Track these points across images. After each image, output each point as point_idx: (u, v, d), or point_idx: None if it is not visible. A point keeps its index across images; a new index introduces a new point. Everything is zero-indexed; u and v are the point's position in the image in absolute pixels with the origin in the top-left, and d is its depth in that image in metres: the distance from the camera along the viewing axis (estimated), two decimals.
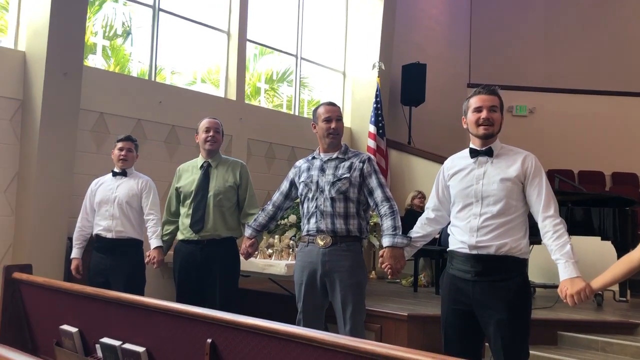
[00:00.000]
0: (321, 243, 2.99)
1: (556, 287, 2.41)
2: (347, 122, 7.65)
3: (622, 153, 9.24)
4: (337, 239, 2.98)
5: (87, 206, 3.91)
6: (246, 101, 6.69)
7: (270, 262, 4.59)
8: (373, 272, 6.78)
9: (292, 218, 5.41)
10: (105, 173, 4.00)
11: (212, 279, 3.52)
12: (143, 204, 3.83)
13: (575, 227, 5.03)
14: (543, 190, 2.40)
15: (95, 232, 3.84)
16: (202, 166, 3.67)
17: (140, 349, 2.14)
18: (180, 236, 3.66)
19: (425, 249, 4.53)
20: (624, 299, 5.16)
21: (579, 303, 2.24)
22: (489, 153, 2.47)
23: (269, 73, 7.50)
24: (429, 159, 7.42)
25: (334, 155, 3.10)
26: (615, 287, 5.16)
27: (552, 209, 2.39)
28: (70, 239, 4.08)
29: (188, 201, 3.62)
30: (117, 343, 2.22)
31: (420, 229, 2.73)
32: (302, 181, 3.12)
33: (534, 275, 5.04)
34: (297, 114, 7.52)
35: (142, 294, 3.56)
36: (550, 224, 2.36)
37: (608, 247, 5.06)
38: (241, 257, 3.49)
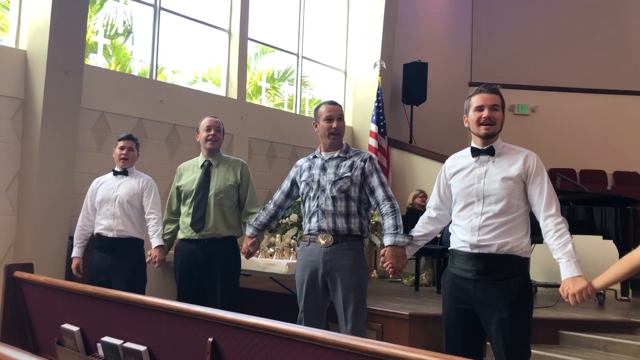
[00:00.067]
0: (322, 242, 2.99)
1: (558, 286, 2.41)
2: (348, 121, 7.64)
3: (624, 152, 9.23)
4: (338, 237, 2.98)
5: (88, 205, 3.91)
6: (247, 100, 6.69)
7: (272, 261, 4.59)
8: (374, 271, 6.78)
9: (294, 217, 5.40)
10: (106, 172, 4.00)
11: (212, 278, 3.52)
12: (144, 203, 3.82)
13: (577, 226, 5.03)
14: (545, 189, 2.40)
15: (96, 231, 3.84)
16: (202, 165, 3.67)
17: (142, 348, 2.14)
18: (181, 235, 3.65)
19: (427, 248, 4.53)
20: (626, 298, 5.15)
21: (581, 302, 2.23)
22: (490, 152, 2.47)
23: (270, 72, 7.50)
24: (431, 158, 7.42)
25: (335, 154, 3.09)
26: (617, 286, 5.16)
27: (554, 207, 2.38)
28: (71, 238, 4.08)
29: (189, 200, 3.62)
30: (118, 342, 2.22)
31: (422, 228, 2.73)
32: (304, 180, 3.12)
33: (536, 274, 5.04)
34: (298, 112, 7.52)
35: (142, 293, 3.56)
36: (551, 223, 2.36)
37: (610, 246, 5.06)
38: (242, 256, 3.49)
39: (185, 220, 3.62)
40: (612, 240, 5.08)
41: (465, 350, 2.40)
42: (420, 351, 1.46)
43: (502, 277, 2.37)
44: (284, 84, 7.63)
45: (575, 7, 10.03)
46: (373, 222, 5.86)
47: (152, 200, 3.82)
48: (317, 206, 3.02)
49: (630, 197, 5.34)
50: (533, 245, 2.68)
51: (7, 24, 4.89)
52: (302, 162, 3.22)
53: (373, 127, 7.40)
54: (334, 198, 2.99)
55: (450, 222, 2.61)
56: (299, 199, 3.25)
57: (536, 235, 2.48)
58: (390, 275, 2.86)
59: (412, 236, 2.75)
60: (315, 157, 3.16)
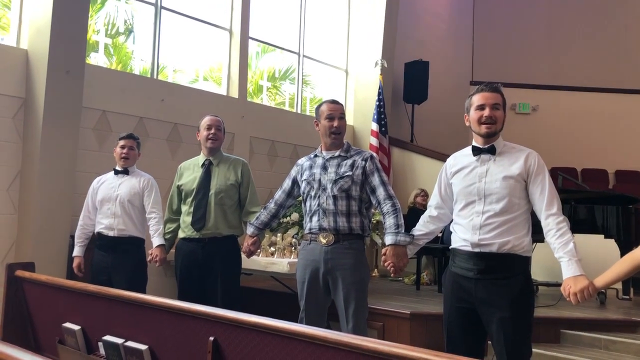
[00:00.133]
0: (323, 241, 2.99)
1: (559, 285, 2.40)
2: (349, 120, 7.62)
3: (626, 151, 9.22)
4: (339, 236, 2.98)
5: (89, 204, 3.91)
6: (248, 99, 6.69)
7: (273, 260, 4.59)
8: (376, 270, 6.78)
9: (295, 216, 5.41)
10: (107, 171, 4.00)
11: (213, 277, 3.52)
12: (145, 202, 3.82)
13: (579, 225, 5.02)
14: (546, 188, 2.40)
15: (97, 230, 3.84)
16: (203, 164, 3.67)
17: (143, 347, 2.15)
18: (181, 234, 3.65)
19: (428, 247, 4.53)
20: (627, 297, 5.15)
21: (582, 301, 2.23)
22: (491, 151, 2.46)
23: (271, 71, 7.50)
24: (432, 157, 7.41)
25: (337, 153, 3.09)
26: (619, 285, 5.16)
27: (555, 206, 2.38)
28: (72, 237, 4.08)
29: (189, 199, 3.62)
30: (119, 341, 2.22)
31: (423, 227, 2.73)
32: (305, 179, 3.12)
33: (537, 273, 5.04)
34: (299, 111, 7.51)
35: (143, 292, 3.56)
36: (553, 222, 2.35)
37: (611, 245, 5.05)
38: (243, 255, 3.48)
39: (185, 219, 3.62)
40: (613, 239, 5.08)
41: (466, 349, 2.40)
42: (422, 350, 1.46)
43: (503, 276, 2.37)
44: (285, 83, 7.62)
45: (576, 6, 10.02)
46: (374, 221, 5.86)
47: (153, 199, 3.82)
48: (318, 205, 3.02)
49: (632, 195, 5.34)
50: (534, 244, 2.68)
51: (8, 23, 4.89)
52: (303, 161, 3.21)
53: (374, 126, 7.40)
54: (335, 197, 2.99)
55: (452, 221, 2.61)
56: (300, 198, 3.25)
57: (537, 234, 2.47)
58: (392, 274, 2.86)
59: (413, 235, 2.75)
60: (316, 156, 3.16)
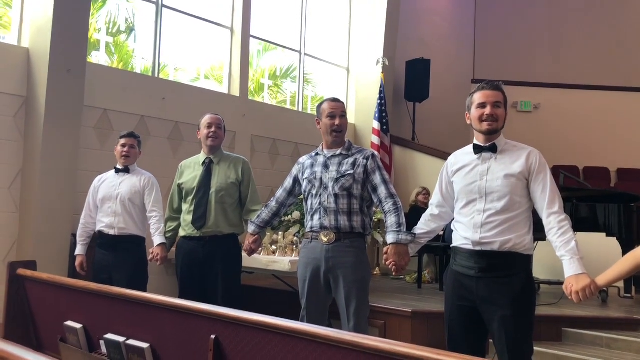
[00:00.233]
0: (325, 239, 2.98)
1: (561, 283, 2.40)
2: (351, 118, 7.63)
3: (628, 149, 9.20)
4: (340, 235, 2.98)
5: (90, 203, 3.92)
6: (250, 97, 6.69)
7: (274, 259, 4.59)
8: (377, 268, 6.78)
9: (296, 214, 5.41)
10: (109, 170, 4.00)
11: (214, 275, 3.52)
12: (145, 201, 3.82)
13: (581, 223, 5.02)
14: (548, 186, 2.39)
15: (97, 228, 3.84)
16: (204, 162, 3.67)
17: (144, 345, 2.15)
18: (182, 233, 3.65)
19: (430, 246, 4.53)
20: (629, 295, 5.14)
21: (584, 300, 2.23)
22: (492, 149, 2.46)
23: (272, 69, 7.49)
24: (433, 155, 7.41)
25: (338, 152, 3.09)
26: (620, 284, 5.15)
27: (557, 205, 2.38)
28: (74, 236, 4.08)
29: (190, 198, 3.62)
30: (121, 339, 2.22)
31: (425, 226, 2.72)
32: (306, 178, 3.12)
33: (539, 271, 5.03)
34: (300, 110, 7.51)
35: (144, 290, 3.56)
36: (555, 221, 2.35)
37: (613, 243, 5.05)
38: (244, 254, 3.48)
39: (186, 217, 3.62)
40: (615, 238, 5.07)
41: (467, 348, 2.40)
42: (423, 348, 1.45)
43: (505, 275, 2.37)
44: (287, 82, 7.62)
45: (577, 4, 10.00)
46: (375, 220, 5.85)
47: (154, 198, 3.82)
48: (320, 204, 3.02)
49: (634, 194, 5.33)
50: (536, 242, 2.67)
51: (9, 22, 4.89)
52: (305, 160, 3.21)
53: (376, 125, 7.40)
54: (336, 196, 2.98)
55: (453, 220, 2.60)
56: (302, 197, 3.24)
57: (539, 233, 2.47)
58: (394, 273, 2.86)
59: (414, 234, 2.75)
60: (317, 154, 3.16)
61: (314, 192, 3.06)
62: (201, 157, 3.71)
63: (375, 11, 7.97)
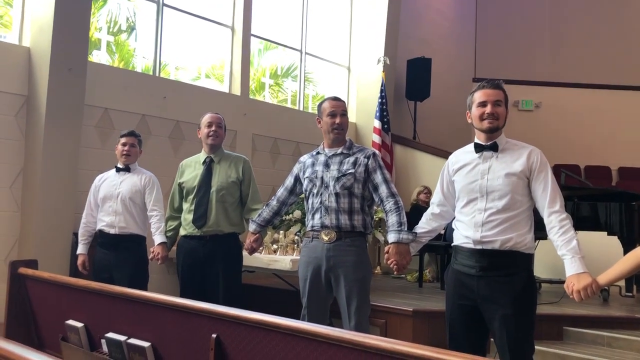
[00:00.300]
0: (326, 238, 2.98)
1: (562, 282, 2.40)
2: (351, 117, 7.63)
3: (629, 148, 9.19)
4: (341, 234, 2.97)
5: (91, 202, 3.92)
6: (251, 96, 6.69)
7: (275, 258, 4.59)
8: (378, 267, 6.78)
9: (297, 213, 5.41)
10: (110, 169, 4.00)
11: (214, 274, 3.52)
12: (146, 200, 3.82)
13: (582, 222, 5.02)
14: (549, 185, 2.39)
15: (98, 227, 3.84)
16: (204, 161, 3.67)
17: (146, 344, 2.15)
18: (183, 232, 3.66)
19: (431, 244, 4.53)
20: (630, 294, 5.14)
21: (585, 299, 2.23)
22: (494, 148, 2.46)
23: (273, 68, 7.49)
24: (434, 154, 7.41)
25: (339, 151, 3.09)
26: (622, 283, 5.14)
27: (558, 204, 2.37)
28: (75, 235, 4.09)
29: (191, 197, 3.62)
30: (122, 338, 2.22)
31: (426, 225, 2.72)
32: (307, 177, 3.12)
33: (540, 270, 5.03)
34: (301, 109, 7.51)
35: (145, 289, 3.57)
36: (556, 219, 2.35)
37: (614, 242, 5.04)
38: (245, 253, 3.49)
39: (187, 216, 3.62)
40: (616, 237, 5.06)
41: (468, 347, 2.40)
42: (424, 347, 1.45)
43: (506, 273, 2.37)
44: (288, 80, 7.62)
45: (579, 3, 9.98)
46: (376, 219, 5.86)
47: (155, 197, 3.82)
48: (321, 203, 3.02)
49: (635, 193, 5.32)
50: (537, 241, 2.67)
51: (10, 21, 4.89)
52: (306, 159, 3.21)
53: (376, 124, 7.39)
54: (337, 195, 2.98)
55: (454, 218, 2.60)
56: (303, 196, 3.25)
57: (540, 232, 2.47)
58: (395, 272, 2.86)
59: (416, 233, 2.75)
60: (318, 153, 3.16)
61: (315, 191, 3.06)
62: (202, 156, 3.71)
63: (376, 10, 7.97)
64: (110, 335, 2.27)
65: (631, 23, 9.81)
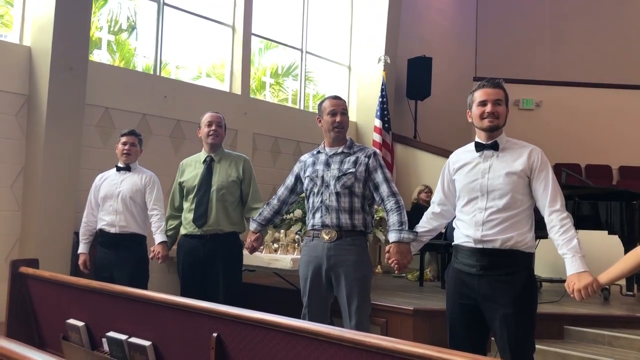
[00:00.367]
0: (326, 237, 2.99)
1: (563, 281, 2.40)
2: (352, 116, 7.63)
3: (630, 147, 9.18)
4: (342, 233, 2.98)
5: (92, 201, 3.92)
6: (251, 95, 6.69)
7: (276, 257, 4.60)
8: (379, 266, 6.78)
9: (298, 212, 5.41)
10: (111, 168, 4.00)
11: (215, 273, 3.52)
12: (147, 199, 3.82)
13: (582, 221, 5.01)
14: (549, 184, 2.39)
15: (98, 227, 3.84)
16: (204, 161, 3.67)
17: (147, 343, 2.15)
18: (183, 231, 3.66)
19: (431, 243, 4.53)
20: (631, 293, 5.13)
21: (586, 298, 2.23)
22: (494, 147, 2.46)
23: (274, 67, 7.49)
24: (435, 153, 7.41)
25: (339, 150, 3.09)
26: (622, 282, 5.14)
27: (559, 203, 2.37)
28: (76, 234, 4.09)
29: (191, 196, 3.62)
30: (123, 337, 2.23)
31: (426, 224, 2.72)
32: (308, 176, 3.12)
33: (541, 269, 5.02)
34: (302, 108, 7.51)
35: (145, 289, 3.56)
36: (556, 219, 2.34)
37: (615, 241, 5.04)
38: (246, 252, 3.49)
39: (187, 216, 3.62)
40: (617, 236, 5.06)
41: (469, 346, 2.40)
42: (425, 346, 1.45)
43: (506, 272, 2.37)
44: (288, 80, 7.62)
45: (579, 0, 9.97)
46: (377, 218, 5.86)
47: (155, 196, 3.82)
48: (321, 202, 3.02)
49: (636, 192, 5.31)
50: (538, 240, 2.67)
51: (11, 20, 4.90)
52: (306, 158, 3.21)
53: (377, 123, 7.39)
54: (337, 194, 2.98)
55: (455, 218, 2.60)
56: (303, 195, 3.25)
57: (541, 231, 2.47)
58: (396, 272, 2.86)
59: (416, 232, 2.74)
60: (319, 152, 3.16)
61: (315, 190, 3.06)
62: (202, 155, 3.72)
63: (376, 9, 7.96)
64: (111, 334, 2.27)
65: (632, 21, 9.80)
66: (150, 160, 4.66)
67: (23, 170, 4.62)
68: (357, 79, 8.08)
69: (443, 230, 4.98)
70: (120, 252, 3.72)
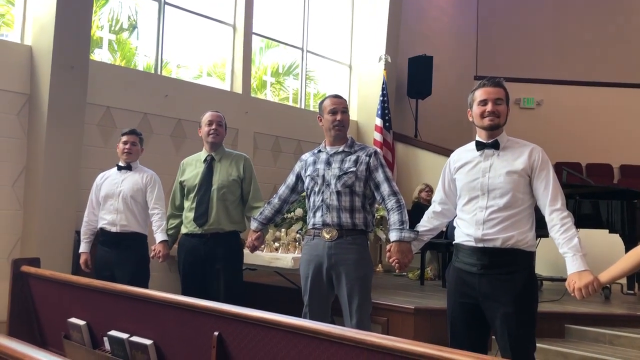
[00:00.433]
0: (327, 236, 2.99)
1: (563, 280, 2.40)
2: (353, 115, 7.63)
3: (631, 145, 9.18)
4: (342, 232, 2.98)
5: (93, 200, 3.93)
6: (252, 94, 6.69)
7: (277, 256, 4.60)
8: (380, 265, 6.78)
9: (299, 211, 5.41)
10: (112, 167, 4.01)
11: (216, 272, 3.53)
12: (148, 198, 3.83)
13: (583, 220, 5.01)
14: (550, 183, 2.39)
15: (99, 225, 3.85)
16: (205, 160, 3.67)
17: (148, 342, 2.16)
18: (184, 230, 3.66)
19: (432, 242, 4.53)
20: (632, 292, 5.14)
21: (587, 296, 2.23)
22: (495, 146, 2.46)
23: (274, 66, 7.49)
24: (436, 152, 7.40)
25: (340, 149, 3.09)
26: (623, 280, 5.14)
27: (560, 202, 2.37)
28: (77, 233, 4.10)
29: (192, 195, 3.62)
30: (124, 336, 2.23)
31: (427, 223, 2.72)
32: (309, 175, 3.12)
33: (541, 268, 5.02)
34: (303, 107, 7.51)
35: (146, 287, 3.57)
36: (557, 217, 2.35)
37: (616, 240, 5.04)
38: (247, 250, 3.49)
39: (188, 215, 3.62)
40: (618, 234, 5.06)
41: (470, 344, 2.40)
42: (425, 345, 1.46)
43: (507, 271, 2.37)
44: (289, 79, 7.62)
45: (581, 0, 9.96)
46: (378, 217, 5.86)
47: (156, 195, 3.83)
48: (322, 201, 3.02)
49: (637, 190, 5.31)
50: (538, 239, 2.67)
51: (12, 20, 4.90)
52: (307, 157, 3.21)
53: (378, 121, 7.38)
54: (338, 193, 2.99)
55: (455, 216, 2.60)
56: (304, 194, 3.25)
57: (541, 230, 2.47)
58: (397, 271, 2.87)
59: (417, 231, 2.75)
60: (320, 151, 3.16)
61: (316, 189, 3.07)
62: (203, 154, 3.72)
63: (377, 8, 7.96)
64: (113, 333, 2.28)
65: (633, 19, 9.78)
66: (151, 159, 4.66)
67: (24, 170, 4.63)
68: (358, 77, 8.07)
69: (444, 229, 4.99)
70: (121, 251, 3.73)
